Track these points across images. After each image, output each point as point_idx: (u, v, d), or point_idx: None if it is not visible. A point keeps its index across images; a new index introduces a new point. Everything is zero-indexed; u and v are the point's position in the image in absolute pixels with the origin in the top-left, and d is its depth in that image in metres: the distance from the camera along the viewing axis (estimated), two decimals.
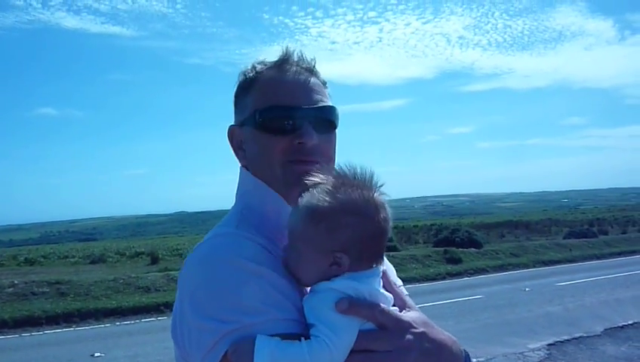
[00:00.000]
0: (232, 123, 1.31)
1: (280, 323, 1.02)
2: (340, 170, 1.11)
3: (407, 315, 1.07)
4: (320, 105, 1.22)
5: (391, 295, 1.09)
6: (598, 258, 23.17)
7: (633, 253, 24.76)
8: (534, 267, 20.77)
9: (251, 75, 1.26)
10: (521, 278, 17.57)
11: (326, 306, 1.01)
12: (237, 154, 1.31)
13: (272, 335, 0.99)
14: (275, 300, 1.04)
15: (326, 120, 1.23)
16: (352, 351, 0.99)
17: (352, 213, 1.04)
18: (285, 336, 0.99)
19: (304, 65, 1.26)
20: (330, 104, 1.26)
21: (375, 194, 1.09)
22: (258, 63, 1.27)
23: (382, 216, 1.07)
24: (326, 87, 1.29)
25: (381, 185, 1.10)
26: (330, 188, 1.07)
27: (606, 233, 35.97)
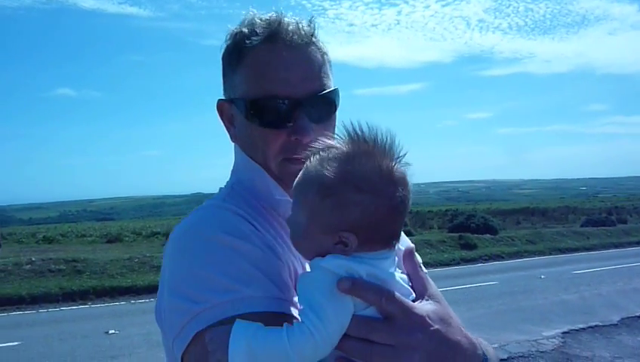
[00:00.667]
0: (222, 96, 1.18)
1: (254, 302, 0.92)
2: (357, 132, 0.96)
3: (423, 308, 0.92)
4: (319, 92, 1.08)
5: (407, 279, 0.98)
6: (616, 246, 22.79)
7: None
8: (550, 254, 20.52)
9: (240, 46, 1.10)
10: (536, 265, 17.36)
11: (314, 287, 0.90)
12: (228, 130, 1.20)
13: (246, 315, 0.89)
14: (249, 276, 0.94)
15: (325, 106, 1.10)
16: (348, 335, 0.88)
17: (365, 189, 0.91)
18: (262, 316, 0.90)
19: (302, 37, 1.09)
20: (331, 87, 1.11)
21: (395, 166, 0.94)
22: (248, 28, 1.10)
23: (400, 192, 0.93)
24: (326, 58, 1.14)
25: (403, 155, 0.95)
26: (342, 155, 0.93)
27: (625, 222, 35.36)
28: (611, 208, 54.90)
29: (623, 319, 9.64)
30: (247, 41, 1.08)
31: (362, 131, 0.96)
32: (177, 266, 0.99)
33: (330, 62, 1.15)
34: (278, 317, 0.91)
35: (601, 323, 9.36)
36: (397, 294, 0.91)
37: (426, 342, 0.88)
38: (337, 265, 0.91)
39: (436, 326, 0.90)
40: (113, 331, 9.41)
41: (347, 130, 0.97)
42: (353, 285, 0.88)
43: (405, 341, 0.87)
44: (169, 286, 0.99)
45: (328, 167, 0.92)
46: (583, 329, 9.08)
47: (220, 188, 1.19)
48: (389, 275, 0.94)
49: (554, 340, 8.51)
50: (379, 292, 0.89)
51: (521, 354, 7.83)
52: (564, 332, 8.86)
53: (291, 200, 1.03)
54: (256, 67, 1.08)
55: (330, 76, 1.14)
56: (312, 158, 0.96)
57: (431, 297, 0.96)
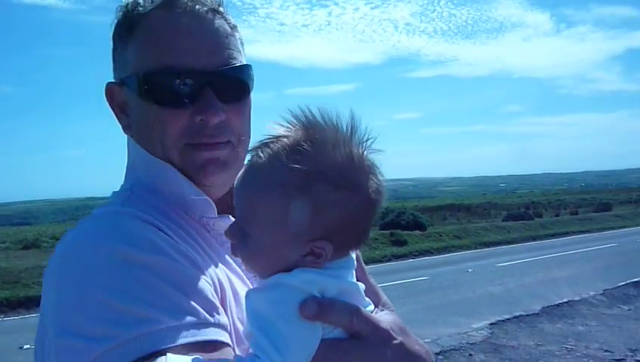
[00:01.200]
0: (112, 80, 0.97)
1: (176, 332, 0.71)
2: (312, 117, 0.77)
3: (385, 320, 0.82)
4: (228, 64, 0.90)
5: (364, 288, 0.84)
6: (534, 239, 24.18)
7: (566, 234, 26.06)
8: (476, 248, 21.41)
9: (131, 15, 0.90)
10: (464, 259, 18.03)
11: (275, 311, 0.71)
12: (119, 120, 0.98)
13: (169, 349, 0.68)
14: (165, 298, 0.73)
15: (236, 83, 0.92)
16: None
17: (342, 185, 0.74)
18: (188, 349, 0.70)
19: (205, 4, 0.91)
20: (242, 61, 0.93)
21: (365, 153, 0.77)
22: None
23: (376, 183, 0.78)
24: (236, 33, 0.95)
25: (370, 140, 0.79)
26: (304, 145, 0.73)
27: (541, 216, 37.73)
28: (529, 203, 58.70)
29: (544, 308, 10.16)
30: (140, 8, 0.90)
31: (318, 116, 0.77)
32: (66, 291, 0.75)
33: (241, 39, 0.97)
34: (208, 347, 0.73)
35: (524, 313, 9.80)
36: (364, 310, 0.79)
37: (395, 357, 0.79)
38: (308, 281, 0.74)
39: (400, 339, 0.82)
40: (28, 346, 8.69)
41: (298, 117, 0.77)
42: (321, 308, 0.72)
43: (376, 359, 0.77)
44: (55, 319, 0.75)
45: (291, 162, 0.73)
46: (509, 319, 9.47)
47: (114, 193, 0.95)
48: (354, 286, 0.80)
49: (482, 331, 8.81)
50: (349, 311, 0.76)
51: (453, 347, 8.03)
52: (491, 324, 9.19)
53: (208, 199, 0.88)
54: (152, 35, 0.89)
55: (242, 53, 0.96)
56: (259, 152, 0.77)
57: (384, 306, 0.89)
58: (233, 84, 0.91)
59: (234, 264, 0.94)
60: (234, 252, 0.81)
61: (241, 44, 0.97)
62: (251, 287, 0.87)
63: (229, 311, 0.84)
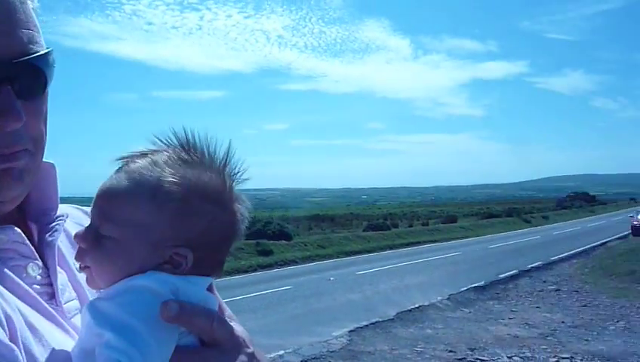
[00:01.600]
0: None
1: None
2: (188, 137, 0.76)
3: (238, 329, 0.77)
4: (28, 52, 0.69)
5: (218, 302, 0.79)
6: (390, 248, 25.81)
7: (418, 243, 28.24)
8: (338, 257, 22.21)
9: None
10: (327, 268, 18.59)
11: (127, 312, 0.66)
12: None
13: None
14: None
15: (37, 77, 0.71)
16: None
17: (213, 198, 0.74)
18: None
19: None
20: (43, 44, 0.72)
21: (234, 184, 0.78)
22: None
23: (241, 210, 0.78)
24: (34, 9, 0.73)
25: (240, 173, 0.78)
26: (181, 160, 0.74)
27: (397, 226, 40.49)
28: (387, 214, 62.85)
29: (398, 313, 10.81)
30: None
31: (197, 139, 0.77)
32: None
33: (37, 9, 0.74)
34: None
35: (380, 319, 10.33)
36: (222, 317, 0.75)
37: None
38: (161, 281, 0.69)
39: (252, 348, 0.77)
40: None
41: (178, 135, 0.76)
42: (182, 310, 0.67)
43: None
44: None
45: (166, 170, 0.72)
46: (366, 325, 9.90)
47: None
48: (209, 297, 0.76)
49: (342, 339, 9.09)
50: (210, 316, 0.71)
51: (314, 356, 8.15)
52: (350, 331, 9.53)
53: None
54: None
55: (40, 30, 0.74)
56: (136, 159, 0.74)
57: (230, 318, 0.80)
58: (34, 78, 0.70)
59: (28, 288, 0.76)
60: (80, 258, 0.72)
61: (37, 16, 0.73)
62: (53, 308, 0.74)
63: (20, 345, 0.67)
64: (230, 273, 17.25)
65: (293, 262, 20.38)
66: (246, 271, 18.04)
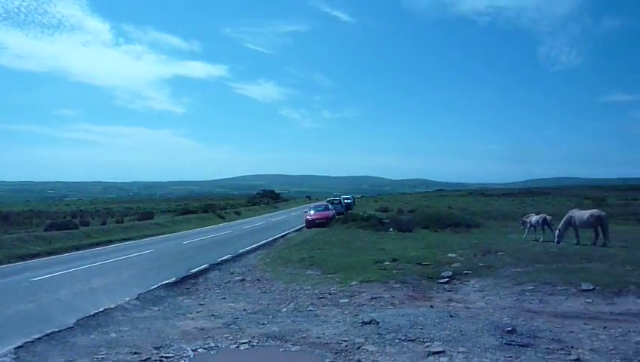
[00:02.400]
0: None
1: None
2: None
3: None
4: None
5: None
6: (77, 249, 23.54)
7: (110, 242, 26.57)
8: (9, 263, 19.04)
9: None
10: None
11: None
12: None
13: None
14: None
15: None
16: None
17: None
18: None
19: None
20: None
21: None
22: None
23: None
24: None
25: None
26: None
27: (87, 224, 37.29)
28: (77, 211, 57.27)
29: (78, 320, 9.85)
30: None
31: None
32: None
33: None
34: None
35: (57, 329, 9.23)
36: None
37: None
38: None
39: None
40: None
41: None
42: None
43: None
44: None
45: None
46: (39, 338, 8.70)
47: None
48: None
49: (6, 358, 7.75)
50: None
51: None
52: (17, 347, 8.21)
53: None
54: None
55: None
56: None
57: None
58: None
59: None
60: None
61: None
62: None
63: None
64: None
65: None
66: None
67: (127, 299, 11.83)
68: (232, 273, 15.83)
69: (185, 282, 14.38)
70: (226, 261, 18.43)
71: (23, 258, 20.15)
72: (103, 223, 38.98)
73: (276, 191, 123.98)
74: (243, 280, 14.55)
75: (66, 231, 28.10)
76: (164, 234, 32.35)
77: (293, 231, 31.50)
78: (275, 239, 26.47)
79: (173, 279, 14.56)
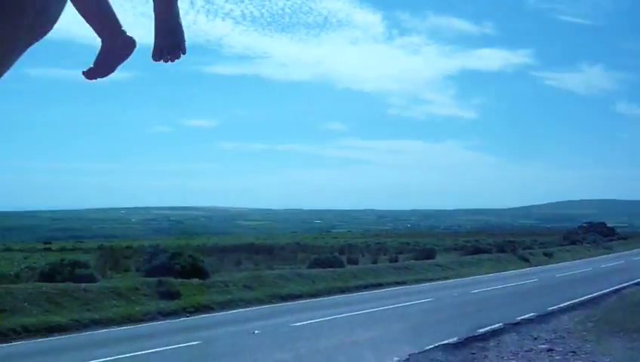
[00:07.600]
0: None
1: None
2: None
3: None
4: None
5: None
6: (342, 291, 25.93)
7: (379, 285, 28.50)
8: (270, 303, 22.12)
9: None
10: (252, 317, 18.49)
11: None
12: None
13: None
14: None
15: None
16: None
17: None
18: None
19: None
20: None
21: None
22: None
23: None
24: None
25: None
26: None
27: (356, 262, 40.71)
28: (344, 246, 62.85)
29: None
30: None
31: None
32: None
33: None
34: None
35: None
36: None
37: None
38: None
39: None
40: None
41: None
42: None
43: None
44: None
45: None
46: None
47: None
48: None
49: None
50: None
51: None
52: None
53: None
54: None
55: None
56: None
57: None
58: None
59: None
60: None
61: None
62: None
63: None
64: (119, 322, 16.88)
65: (209, 308, 20.16)
66: (141, 320, 17.72)
67: (395, 359, 12.50)
68: (535, 338, 15.25)
69: (470, 344, 14.44)
70: (529, 321, 17.86)
71: (284, 298, 23.19)
72: (374, 262, 42.10)
73: (608, 225, 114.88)
74: (551, 350, 13.88)
75: (330, 269, 31.28)
76: (446, 279, 33.17)
77: (634, 283, 28.66)
78: (605, 294, 24.49)
79: (455, 339, 14.78)
